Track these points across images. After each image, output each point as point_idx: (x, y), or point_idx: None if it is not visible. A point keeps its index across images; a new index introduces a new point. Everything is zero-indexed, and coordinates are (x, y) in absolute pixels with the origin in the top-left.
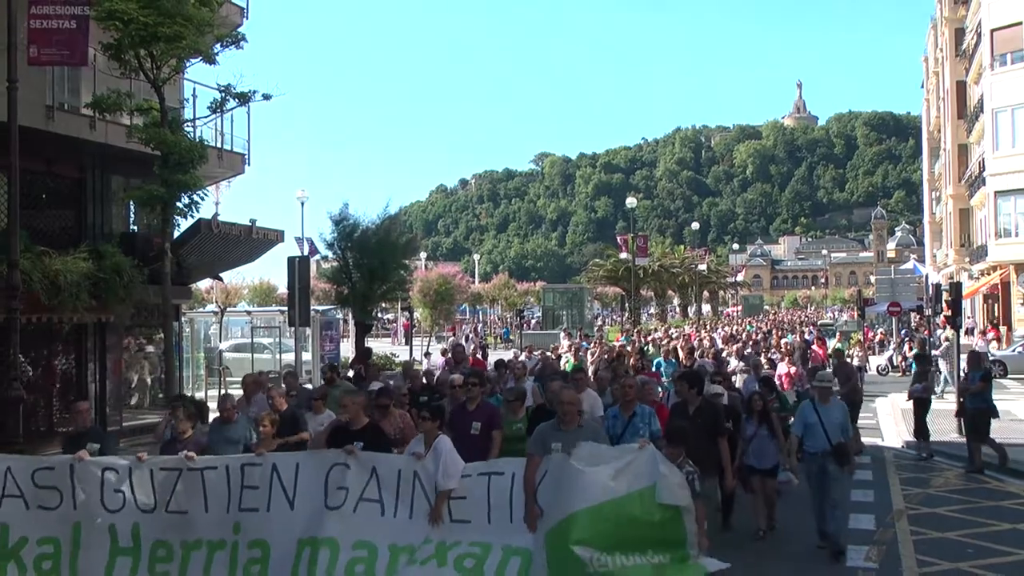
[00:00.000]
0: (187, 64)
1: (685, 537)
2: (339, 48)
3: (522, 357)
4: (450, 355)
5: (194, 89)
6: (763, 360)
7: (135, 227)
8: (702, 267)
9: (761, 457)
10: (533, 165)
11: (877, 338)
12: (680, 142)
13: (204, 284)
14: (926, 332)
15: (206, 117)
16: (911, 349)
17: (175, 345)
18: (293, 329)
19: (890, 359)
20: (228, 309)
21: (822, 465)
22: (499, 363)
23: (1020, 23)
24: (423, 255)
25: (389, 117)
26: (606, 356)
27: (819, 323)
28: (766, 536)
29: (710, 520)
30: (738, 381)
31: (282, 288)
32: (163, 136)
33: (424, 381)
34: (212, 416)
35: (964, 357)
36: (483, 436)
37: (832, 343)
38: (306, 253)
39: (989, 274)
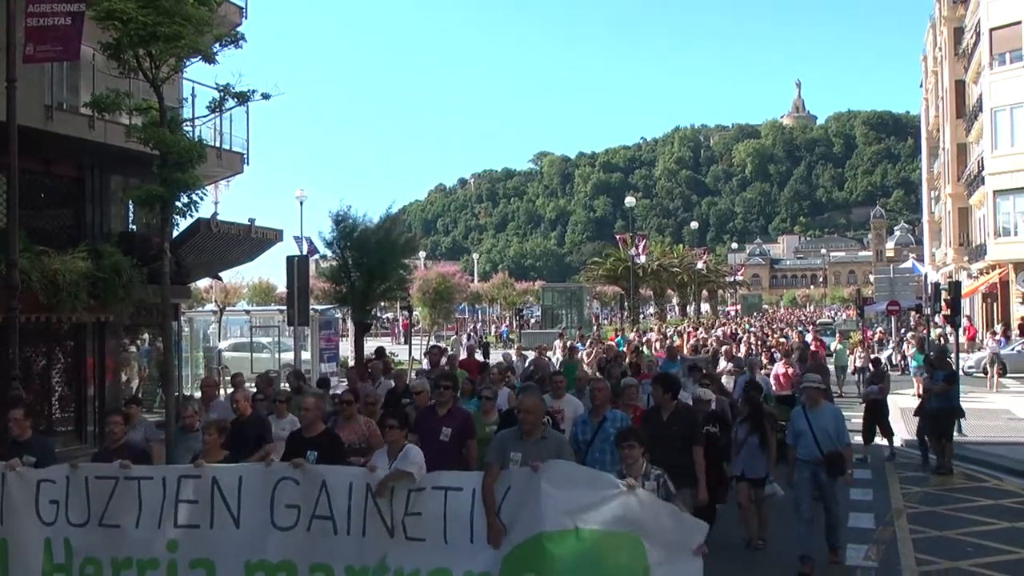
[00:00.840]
0: (186, 63)
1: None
2: (338, 47)
3: (514, 358)
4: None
5: (193, 88)
6: (763, 359)
7: (134, 226)
8: (701, 266)
9: (751, 467)
10: (532, 164)
11: (876, 337)
12: (679, 141)
13: (203, 283)
14: (924, 331)
15: (205, 116)
16: (909, 348)
17: (174, 344)
18: (292, 328)
19: (889, 358)
20: (227, 308)
21: (814, 473)
22: (484, 366)
23: (1019, 22)
24: (422, 254)
25: (388, 117)
26: (603, 355)
27: (818, 322)
28: (760, 546)
29: None
30: (728, 383)
31: (281, 287)
32: (162, 135)
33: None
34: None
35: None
36: (454, 443)
37: (832, 343)
38: (305, 252)
39: (988, 273)
